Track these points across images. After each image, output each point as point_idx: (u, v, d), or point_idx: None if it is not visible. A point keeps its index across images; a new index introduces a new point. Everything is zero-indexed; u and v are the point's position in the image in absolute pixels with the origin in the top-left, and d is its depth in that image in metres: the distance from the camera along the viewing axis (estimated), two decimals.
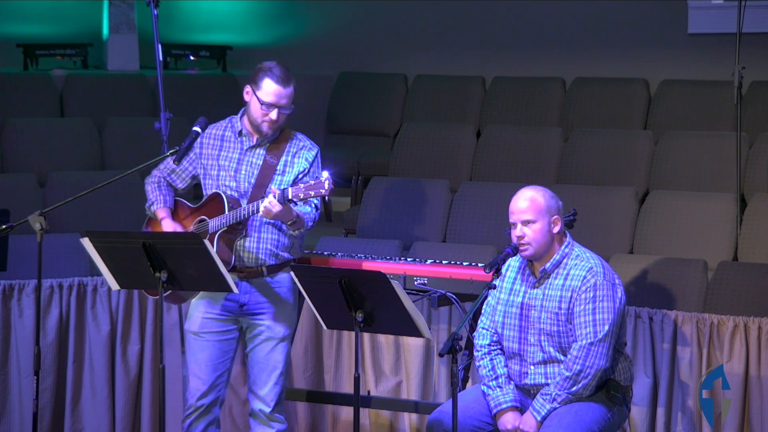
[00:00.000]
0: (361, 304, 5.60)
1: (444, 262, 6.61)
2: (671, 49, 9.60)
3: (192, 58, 11.13)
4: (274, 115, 6.08)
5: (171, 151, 6.13)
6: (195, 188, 6.49)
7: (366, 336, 7.32)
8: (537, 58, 10.05)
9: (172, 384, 7.32)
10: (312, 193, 5.83)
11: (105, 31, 11.04)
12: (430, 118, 9.77)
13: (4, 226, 6.21)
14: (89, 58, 10.91)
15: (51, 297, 7.35)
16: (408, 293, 5.73)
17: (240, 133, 6.21)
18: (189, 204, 6.31)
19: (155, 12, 7.15)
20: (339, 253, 6.86)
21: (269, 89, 6.07)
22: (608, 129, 8.98)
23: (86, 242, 5.81)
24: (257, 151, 6.19)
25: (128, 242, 5.75)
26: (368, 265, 6.46)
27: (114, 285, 5.90)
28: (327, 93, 10.53)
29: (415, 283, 6.41)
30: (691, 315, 6.79)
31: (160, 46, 7.18)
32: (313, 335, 7.49)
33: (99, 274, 6.24)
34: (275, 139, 6.20)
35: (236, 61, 11.09)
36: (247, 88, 6.13)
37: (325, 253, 6.81)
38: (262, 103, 6.08)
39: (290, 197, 5.86)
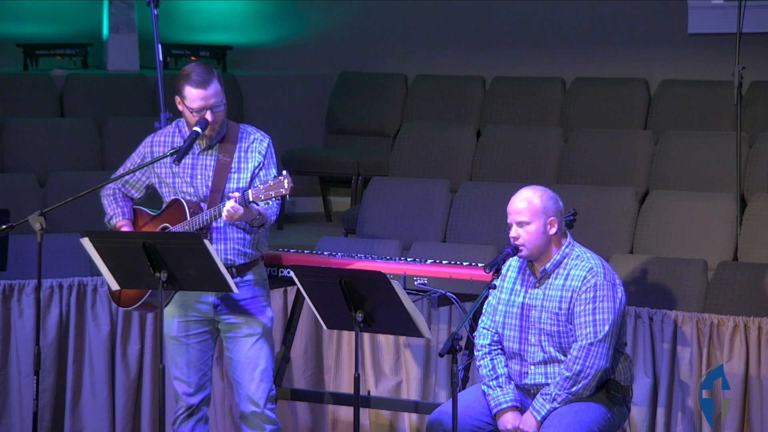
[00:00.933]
0: (361, 304, 5.60)
1: (444, 262, 6.61)
2: (671, 49, 9.60)
3: (192, 58, 11.12)
4: (208, 116, 6.03)
5: (171, 151, 6.12)
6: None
7: (366, 336, 7.31)
8: (537, 58, 10.04)
9: (172, 384, 7.32)
10: (272, 193, 5.79)
11: (105, 31, 11.04)
12: (430, 118, 9.76)
13: (4, 226, 6.20)
14: (89, 58, 10.90)
15: (51, 297, 7.34)
16: (408, 293, 5.73)
17: None
18: (149, 211, 6.25)
19: (155, 12, 7.15)
20: (339, 254, 6.86)
21: (192, 95, 6.02)
22: (608, 129, 8.98)
23: (86, 242, 5.80)
24: (209, 152, 6.14)
25: (128, 242, 5.75)
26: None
27: (114, 285, 5.90)
28: (327, 93, 10.52)
29: (415, 283, 6.41)
30: (691, 315, 6.78)
31: (160, 46, 7.18)
32: (313, 335, 7.48)
33: (99, 274, 6.24)
34: (225, 137, 6.14)
35: (236, 61, 11.09)
36: (177, 99, 6.08)
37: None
38: (191, 110, 6.03)
39: (251, 199, 5.83)
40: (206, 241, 5.70)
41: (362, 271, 5.91)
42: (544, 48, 10.05)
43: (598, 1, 9.84)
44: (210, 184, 6.10)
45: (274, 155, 6.20)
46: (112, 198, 6.29)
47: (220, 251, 6.08)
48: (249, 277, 6.18)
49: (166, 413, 6.08)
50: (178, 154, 6.06)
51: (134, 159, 6.28)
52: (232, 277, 6.07)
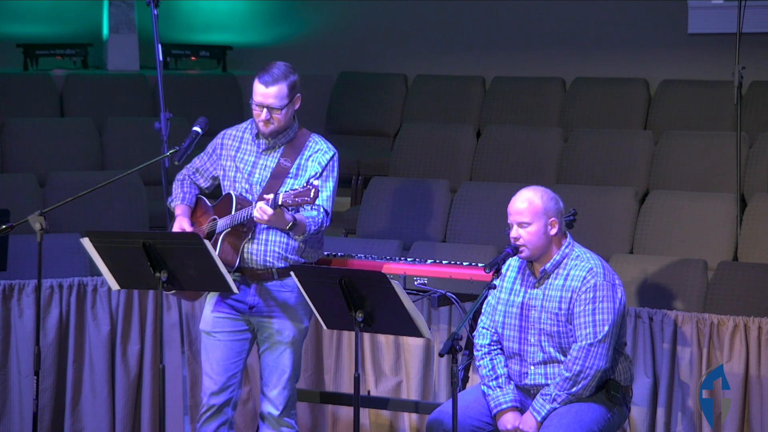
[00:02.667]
0: (361, 304, 5.60)
1: (444, 262, 6.60)
2: (671, 49, 9.60)
3: (192, 58, 11.13)
4: (263, 114, 6.03)
5: (171, 151, 6.12)
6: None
7: (366, 336, 7.31)
8: (537, 58, 10.05)
9: (172, 384, 7.32)
10: (299, 200, 5.74)
11: (105, 31, 11.05)
12: (430, 118, 9.76)
13: (4, 226, 6.21)
14: (89, 58, 10.91)
15: (51, 297, 7.34)
16: (408, 293, 5.73)
17: (257, 136, 6.17)
18: (208, 203, 6.29)
19: (155, 12, 7.15)
20: (339, 253, 6.86)
21: (255, 89, 6.06)
22: (608, 129, 8.99)
23: (86, 242, 5.80)
24: (271, 153, 6.15)
25: (128, 242, 5.75)
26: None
27: (114, 285, 5.90)
28: (327, 93, 10.53)
29: (415, 283, 6.41)
30: (691, 315, 6.78)
31: (160, 46, 7.18)
32: (313, 335, 7.48)
33: (99, 274, 6.24)
34: (291, 141, 6.14)
35: (236, 61, 11.09)
36: None
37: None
38: (252, 102, 6.07)
39: (280, 203, 5.79)
40: (206, 241, 5.70)
41: (362, 271, 5.91)
42: (544, 48, 10.05)
43: (598, 1, 9.84)
44: (264, 183, 6.10)
45: (335, 170, 6.15)
46: (180, 183, 6.33)
47: (260, 252, 6.08)
48: (289, 282, 6.07)
49: (166, 413, 6.07)
50: (178, 154, 6.08)
51: (207, 149, 6.32)
52: (272, 279, 6.09)
